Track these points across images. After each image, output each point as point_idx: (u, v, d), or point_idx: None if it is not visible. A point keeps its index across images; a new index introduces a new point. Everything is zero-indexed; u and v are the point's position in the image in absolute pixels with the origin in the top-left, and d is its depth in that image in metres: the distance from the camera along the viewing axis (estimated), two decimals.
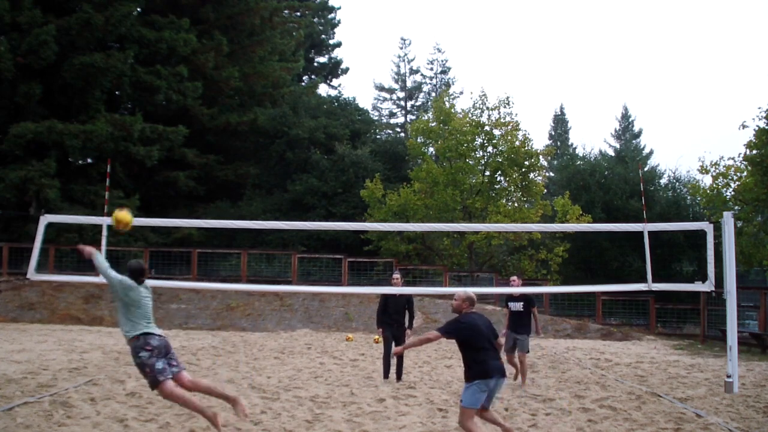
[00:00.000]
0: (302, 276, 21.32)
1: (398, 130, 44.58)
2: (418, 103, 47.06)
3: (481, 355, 5.79)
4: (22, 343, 13.62)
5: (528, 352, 9.99)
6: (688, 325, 20.59)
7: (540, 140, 62.89)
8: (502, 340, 8.10)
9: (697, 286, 8.60)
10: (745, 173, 20.20)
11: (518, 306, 9.90)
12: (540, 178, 25.32)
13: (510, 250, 25.50)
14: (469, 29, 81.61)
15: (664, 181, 30.14)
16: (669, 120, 75.71)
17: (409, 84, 47.50)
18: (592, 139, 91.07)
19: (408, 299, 10.15)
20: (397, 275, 10.44)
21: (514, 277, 10.67)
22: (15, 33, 23.07)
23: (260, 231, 24.77)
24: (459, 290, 6.25)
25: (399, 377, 9.97)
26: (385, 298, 10.19)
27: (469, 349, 5.85)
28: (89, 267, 19.83)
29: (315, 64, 43.12)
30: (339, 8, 44.30)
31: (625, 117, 49.13)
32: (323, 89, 41.42)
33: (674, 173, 30.64)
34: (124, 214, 6.95)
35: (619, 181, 27.61)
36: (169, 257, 21.39)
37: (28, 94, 23.21)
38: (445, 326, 6.08)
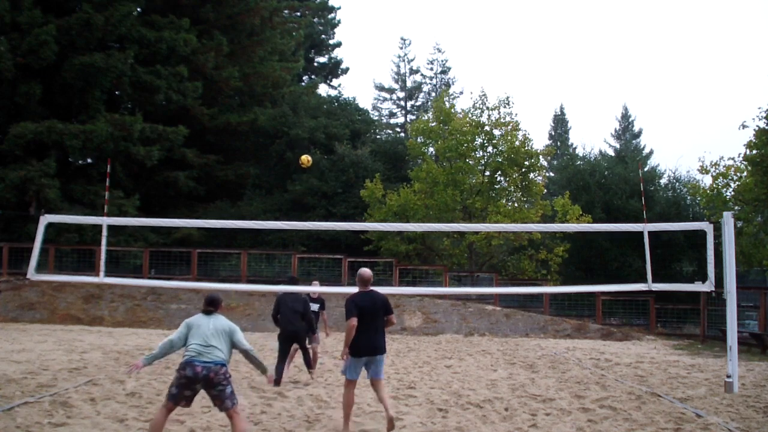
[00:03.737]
0: (302, 276, 21.28)
1: (398, 130, 44.58)
2: (418, 103, 47.08)
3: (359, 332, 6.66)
4: (22, 343, 13.61)
5: (318, 344, 10.80)
6: (688, 325, 20.59)
7: (540, 140, 62.93)
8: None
9: (697, 286, 8.62)
10: (745, 173, 20.20)
11: (315, 307, 10.76)
12: (540, 178, 25.32)
13: (510, 250, 25.50)
14: (469, 29, 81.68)
15: (664, 181, 30.17)
16: (669, 120, 75.76)
17: (409, 84, 47.51)
18: (592, 139, 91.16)
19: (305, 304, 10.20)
20: None
21: (316, 282, 11.56)
22: (15, 33, 23.07)
23: (260, 231, 24.75)
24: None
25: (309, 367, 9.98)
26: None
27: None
28: (89, 267, 19.92)
29: (315, 64, 43.13)
30: (339, 8, 44.38)
31: (625, 117, 49.14)
32: (323, 89, 41.46)
33: (674, 173, 30.69)
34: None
35: (619, 181, 27.61)
36: (169, 257, 21.37)
37: (28, 94, 23.21)
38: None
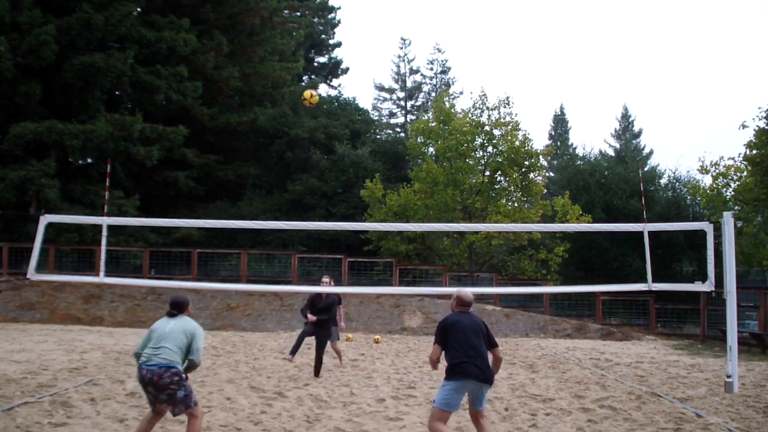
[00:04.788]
0: (302, 276, 21.31)
1: (398, 130, 44.57)
2: (418, 103, 47.05)
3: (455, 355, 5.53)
4: (22, 343, 13.61)
5: (338, 339, 11.52)
6: (688, 325, 20.59)
7: (540, 140, 62.97)
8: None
9: (697, 286, 8.59)
10: (745, 173, 20.21)
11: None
12: (540, 178, 25.33)
13: (510, 250, 25.50)
14: (469, 29, 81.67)
15: (664, 181, 30.20)
16: (669, 120, 75.78)
17: (409, 84, 47.49)
18: (592, 139, 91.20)
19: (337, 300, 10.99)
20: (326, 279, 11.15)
21: (326, 278, 11.32)
22: (15, 33, 23.05)
23: (260, 231, 24.76)
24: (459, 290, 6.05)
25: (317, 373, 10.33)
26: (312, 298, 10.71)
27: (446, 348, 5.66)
28: (89, 267, 19.92)
29: (315, 64, 43.11)
30: (339, 8, 44.33)
31: (625, 117, 49.14)
32: (323, 89, 41.43)
33: (674, 173, 30.72)
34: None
35: (619, 181, 27.62)
36: (169, 257, 21.37)
37: (28, 94, 23.20)
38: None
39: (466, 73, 75.70)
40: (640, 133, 48.47)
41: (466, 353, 5.45)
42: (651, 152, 44.90)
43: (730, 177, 20.72)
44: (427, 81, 47.65)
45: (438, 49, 56.90)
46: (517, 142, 23.89)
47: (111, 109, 25.85)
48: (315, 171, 27.92)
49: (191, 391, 5.51)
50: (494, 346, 5.75)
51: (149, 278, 19.36)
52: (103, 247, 8.95)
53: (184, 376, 5.46)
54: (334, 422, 7.12)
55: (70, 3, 25.01)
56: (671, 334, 19.80)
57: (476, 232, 22.23)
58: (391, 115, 47.94)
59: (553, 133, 50.49)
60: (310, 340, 10.78)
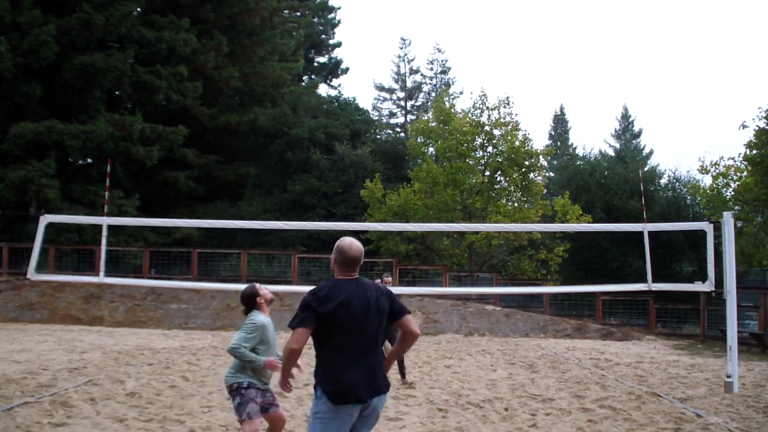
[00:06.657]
0: (302, 276, 21.30)
1: (398, 130, 44.57)
2: (418, 103, 47.08)
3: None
4: (22, 343, 13.61)
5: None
6: (688, 325, 20.57)
7: (540, 140, 63.00)
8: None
9: (697, 286, 8.61)
10: (745, 173, 20.21)
11: None
12: (540, 178, 25.32)
13: (510, 250, 25.50)
14: (469, 29, 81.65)
15: (664, 181, 30.21)
16: (669, 120, 75.80)
17: (409, 84, 47.50)
18: (592, 139, 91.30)
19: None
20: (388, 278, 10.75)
21: (389, 278, 11.27)
22: (15, 33, 23.06)
23: (260, 231, 24.74)
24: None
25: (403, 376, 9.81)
26: None
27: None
28: (89, 267, 19.91)
29: (315, 64, 43.12)
30: (339, 8, 44.38)
31: (625, 117, 49.16)
32: (323, 89, 41.40)
33: (674, 173, 30.73)
34: None
35: (619, 181, 27.62)
36: (169, 257, 21.35)
37: (28, 94, 23.20)
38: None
39: (466, 73, 75.85)
40: (640, 133, 48.54)
41: (352, 355, 3.53)
42: (651, 152, 44.96)
43: (730, 177, 20.72)
44: (427, 81, 47.72)
45: (438, 49, 57.05)
46: (517, 142, 23.89)
47: (111, 109, 25.85)
48: (315, 171, 27.92)
49: (245, 401, 5.02)
50: (402, 314, 3.75)
51: (149, 278, 19.34)
52: (103, 247, 8.96)
53: (235, 384, 5.07)
54: None
55: (70, 3, 25.02)
56: (671, 334, 19.79)
57: (476, 232, 22.23)
58: (391, 115, 47.98)
59: (553, 133, 50.53)
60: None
